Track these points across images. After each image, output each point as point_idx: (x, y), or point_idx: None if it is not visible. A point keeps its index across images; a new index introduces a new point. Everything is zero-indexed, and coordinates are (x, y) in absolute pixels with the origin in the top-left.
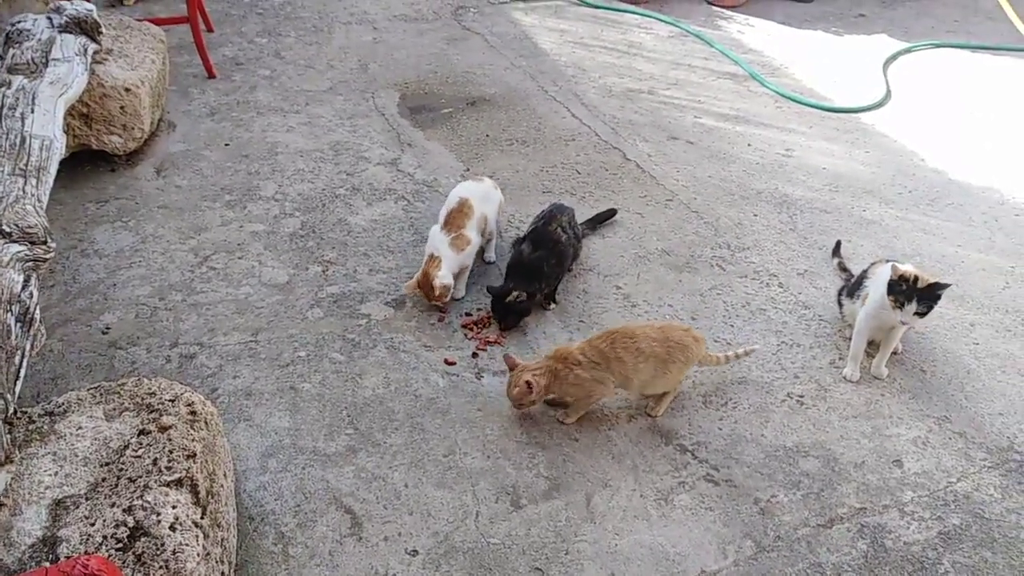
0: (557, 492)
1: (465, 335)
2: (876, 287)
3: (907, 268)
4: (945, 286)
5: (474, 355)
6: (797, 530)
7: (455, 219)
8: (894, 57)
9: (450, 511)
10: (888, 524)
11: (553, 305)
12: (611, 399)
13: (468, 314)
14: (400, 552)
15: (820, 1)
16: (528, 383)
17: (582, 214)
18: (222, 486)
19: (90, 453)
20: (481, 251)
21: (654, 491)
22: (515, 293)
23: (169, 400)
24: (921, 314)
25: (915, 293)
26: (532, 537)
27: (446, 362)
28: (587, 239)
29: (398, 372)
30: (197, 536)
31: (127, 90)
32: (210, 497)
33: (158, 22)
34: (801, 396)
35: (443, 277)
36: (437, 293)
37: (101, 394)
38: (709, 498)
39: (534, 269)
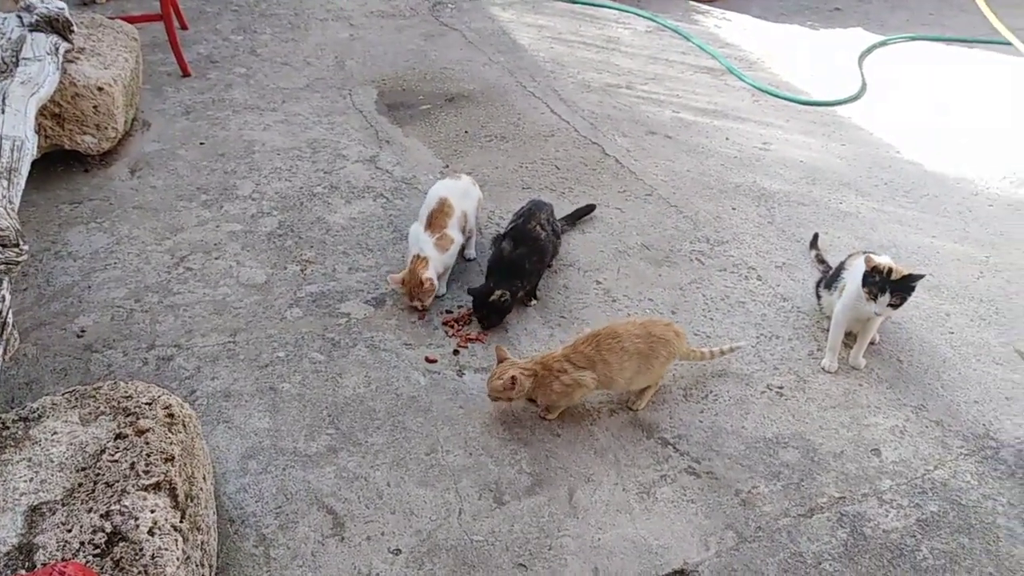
0: (540, 488)
1: (446, 332)
2: (853, 279)
3: (881, 260)
4: (919, 277)
5: (455, 352)
6: (778, 520)
7: (437, 219)
8: (870, 50)
9: (433, 509)
10: (867, 512)
11: (534, 301)
12: (593, 395)
13: (449, 311)
14: (383, 551)
15: None
16: (514, 379)
17: (562, 210)
18: (201, 489)
19: (66, 458)
20: (462, 249)
21: (636, 485)
22: (498, 292)
23: (146, 403)
24: (895, 305)
25: (888, 284)
26: (515, 533)
27: (427, 360)
28: (567, 235)
29: (379, 371)
30: (176, 540)
31: (100, 89)
32: (189, 500)
33: (131, 20)
34: (780, 387)
35: (431, 275)
36: (425, 287)
37: (76, 398)
38: (691, 490)
39: (515, 267)
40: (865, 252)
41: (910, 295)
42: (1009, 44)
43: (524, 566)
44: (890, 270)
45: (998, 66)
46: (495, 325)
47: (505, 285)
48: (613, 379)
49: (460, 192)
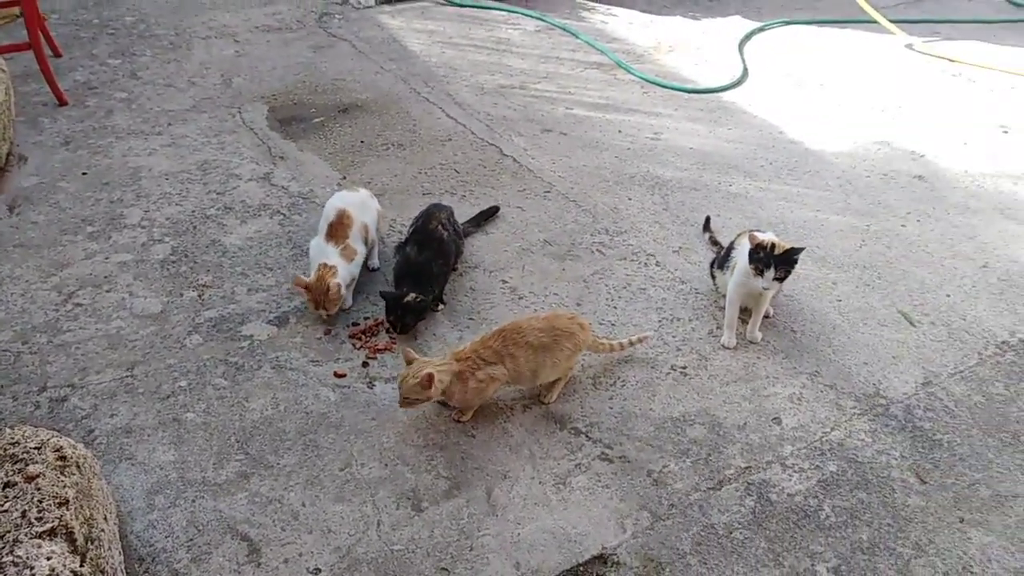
0: (457, 490)
1: (353, 345)
2: (742, 257)
3: (764, 237)
4: (799, 251)
5: (364, 364)
6: (689, 496)
7: (337, 231)
8: (749, 37)
9: (351, 524)
10: (772, 479)
11: (441, 306)
12: (505, 392)
13: (355, 323)
14: (302, 572)
15: None
16: (430, 376)
17: (463, 212)
18: (103, 530)
19: None
20: (365, 260)
21: (552, 476)
22: (412, 294)
23: (35, 448)
24: (779, 279)
25: (772, 260)
26: (436, 538)
27: (336, 375)
28: (471, 237)
29: (286, 391)
30: None
31: None
32: (89, 543)
33: None
34: (684, 367)
35: (339, 281)
36: (331, 295)
37: None
38: (605, 476)
39: (424, 270)
40: (751, 231)
41: (793, 268)
42: (876, 23)
43: (446, 570)
44: (773, 246)
45: (868, 44)
46: (410, 328)
47: (416, 290)
48: (520, 373)
49: (359, 204)
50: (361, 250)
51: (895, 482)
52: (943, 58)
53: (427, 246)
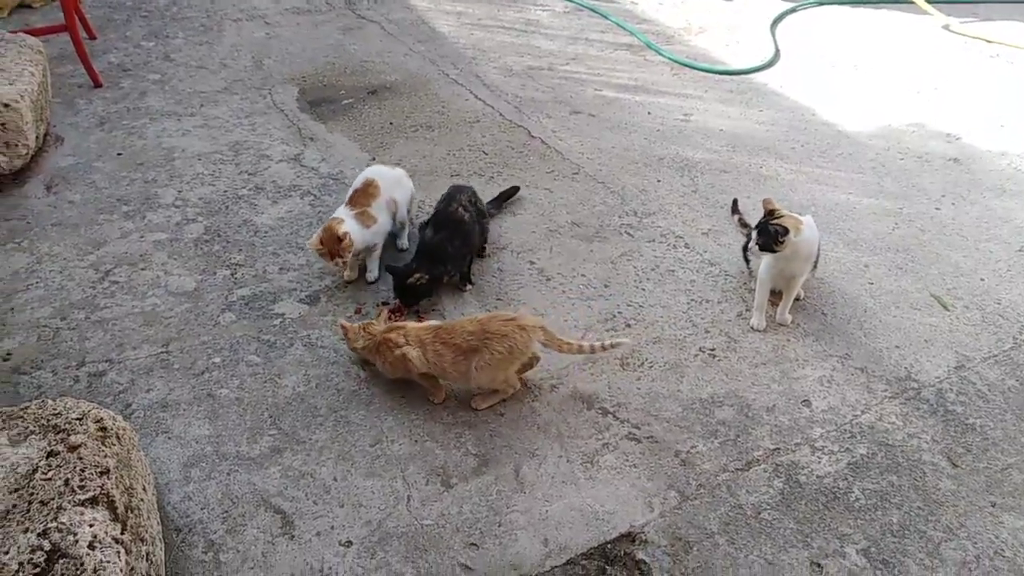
0: (486, 467)
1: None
2: None
3: (777, 204)
4: (776, 224)
5: None
6: (717, 476)
7: (358, 198)
8: (780, 17)
9: (381, 499)
10: (801, 461)
11: (469, 286)
12: (532, 372)
13: (385, 303)
14: (334, 545)
15: None
16: (343, 326)
17: (491, 193)
18: (142, 500)
19: None
20: (394, 238)
21: (580, 455)
22: (416, 275)
23: (76, 419)
24: (758, 244)
25: (759, 225)
26: (465, 514)
27: None
28: (498, 218)
29: (318, 368)
30: (118, 552)
31: (6, 106)
32: (129, 512)
33: (34, 32)
34: (712, 349)
35: (346, 230)
36: (344, 243)
37: (4, 420)
38: (632, 456)
39: (438, 251)
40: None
41: (771, 239)
42: (911, 3)
43: (475, 545)
44: (772, 212)
45: (903, 25)
46: (414, 304)
47: (427, 268)
48: (446, 371)
49: (391, 179)
50: (382, 220)
51: (926, 465)
52: (980, 39)
53: (445, 226)
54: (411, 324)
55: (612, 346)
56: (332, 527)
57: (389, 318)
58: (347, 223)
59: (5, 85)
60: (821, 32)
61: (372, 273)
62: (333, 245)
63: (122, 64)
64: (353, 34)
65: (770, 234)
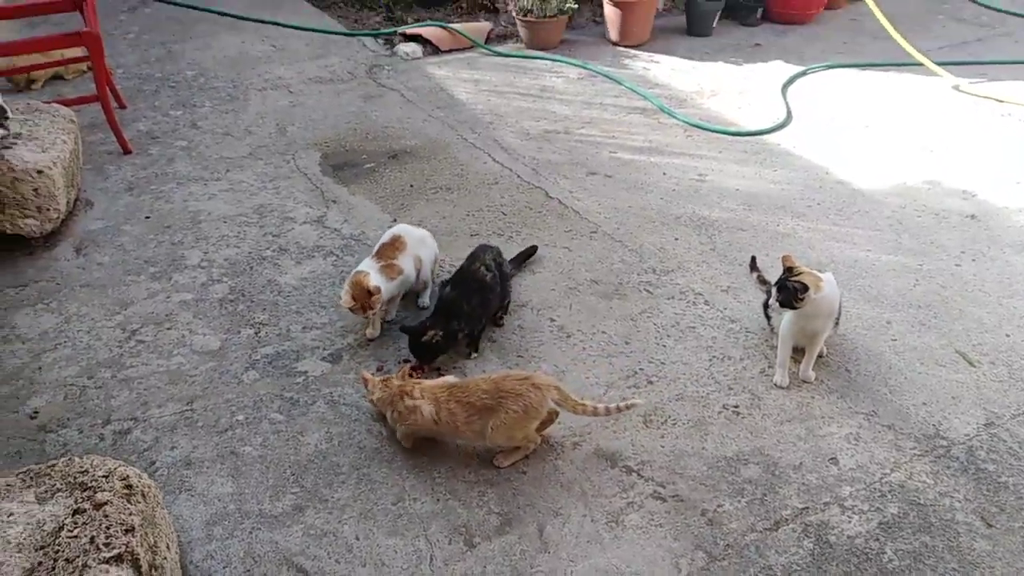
0: (509, 526)
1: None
2: None
3: (797, 261)
4: (794, 281)
5: None
6: (745, 536)
7: (386, 251)
8: (791, 80)
9: (404, 558)
10: (831, 520)
11: (474, 355)
12: (554, 429)
13: (407, 360)
14: None
15: (718, 35)
16: (364, 378)
17: (510, 252)
18: (165, 558)
19: (24, 538)
20: (416, 295)
21: (604, 514)
22: (431, 332)
23: (103, 476)
24: (779, 301)
25: (779, 281)
26: (488, 574)
27: None
28: (518, 276)
29: (340, 426)
30: None
31: (39, 172)
32: (153, 570)
33: (67, 103)
34: (736, 406)
35: (375, 283)
36: (373, 296)
37: (31, 477)
38: (658, 515)
39: (453, 307)
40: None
41: (791, 296)
42: (920, 65)
43: None
44: (790, 268)
45: (913, 86)
46: (430, 362)
47: (442, 325)
48: (459, 429)
49: (417, 237)
50: (407, 271)
51: (960, 525)
52: (991, 98)
53: (464, 285)
54: (427, 381)
55: (627, 408)
56: None
57: (409, 375)
58: (372, 275)
59: (39, 153)
60: (831, 94)
61: (390, 312)
62: (364, 299)
63: (151, 132)
64: (374, 102)
65: (790, 291)
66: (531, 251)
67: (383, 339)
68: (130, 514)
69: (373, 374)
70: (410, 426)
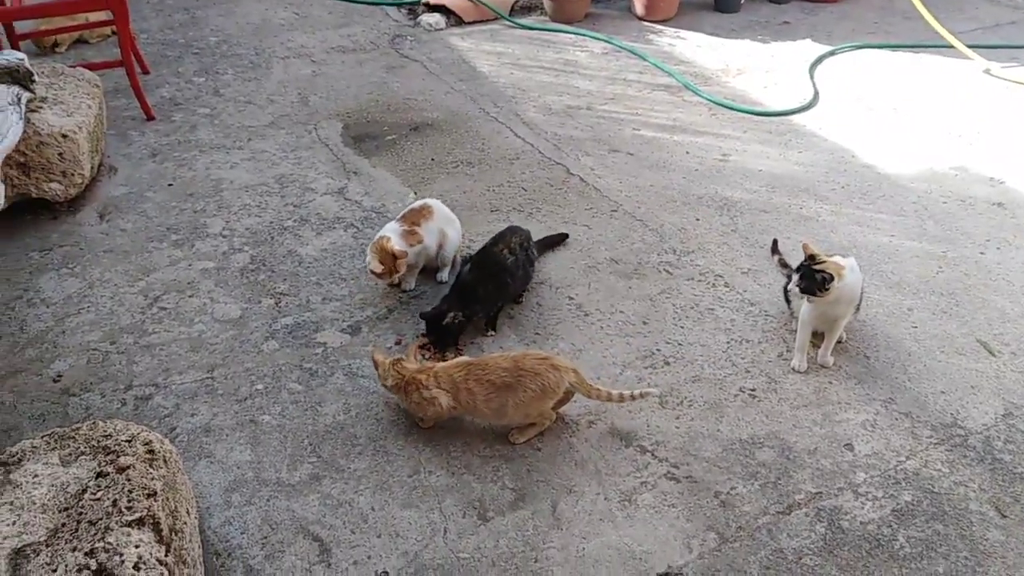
0: (523, 502)
1: (424, 356)
2: None
3: (816, 248)
4: (820, 270)
5: None
6: (757, 519)
7: (412, 216)
8: (819, 60)
9: (418, 530)
10: (844, 506)
11: (491, 332)
12: (570, 407)
13: (423, 334)
14: (370, 574)
15: (745, 11)
16: (375, 360)
17: (531, 230)
18: (185, 523)
19: (48, 500)
20: (435, 269)
21: (617, 493)
22: (451, 315)
23: (126, 440)
24: (800, 288)
25: (801, 267)
26: (501, 548)
27: None
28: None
29: (358, 397)
30: (162, 573)
31: (64, 136)
32: (173, 534)
33: (92, 67)
34: (753, 389)
35: (399, 247)
36: (399, 259)
37: (56, 440)
38: (671, 495)
39: (469, 289)
40: (833, 254)
41: (814, 284)
42: (951, 47)
43: None
44: (813, 256)
45: (943, 69)
46: (450, 346)
47: (457, 307)
48: (478, 408)
49: (446, 213)
50: (429, 242)
51: (973, 515)
52: (1023, 84)
53: (483, 267)
54: (440, 364)
55: (641, 396)
56: (369, 557)
57: (422, 354)
58: (394, 239)
59: (64, 117)
60: (859, 75)
61: (409, 283)
62: (390, 263)
63: (174, 98)
64: (396, 73)
65: (816, 280)
66: (561, 238)
67: (402, 312)
68: (152, 479)
69: (390, 349)
70: (428, 416)
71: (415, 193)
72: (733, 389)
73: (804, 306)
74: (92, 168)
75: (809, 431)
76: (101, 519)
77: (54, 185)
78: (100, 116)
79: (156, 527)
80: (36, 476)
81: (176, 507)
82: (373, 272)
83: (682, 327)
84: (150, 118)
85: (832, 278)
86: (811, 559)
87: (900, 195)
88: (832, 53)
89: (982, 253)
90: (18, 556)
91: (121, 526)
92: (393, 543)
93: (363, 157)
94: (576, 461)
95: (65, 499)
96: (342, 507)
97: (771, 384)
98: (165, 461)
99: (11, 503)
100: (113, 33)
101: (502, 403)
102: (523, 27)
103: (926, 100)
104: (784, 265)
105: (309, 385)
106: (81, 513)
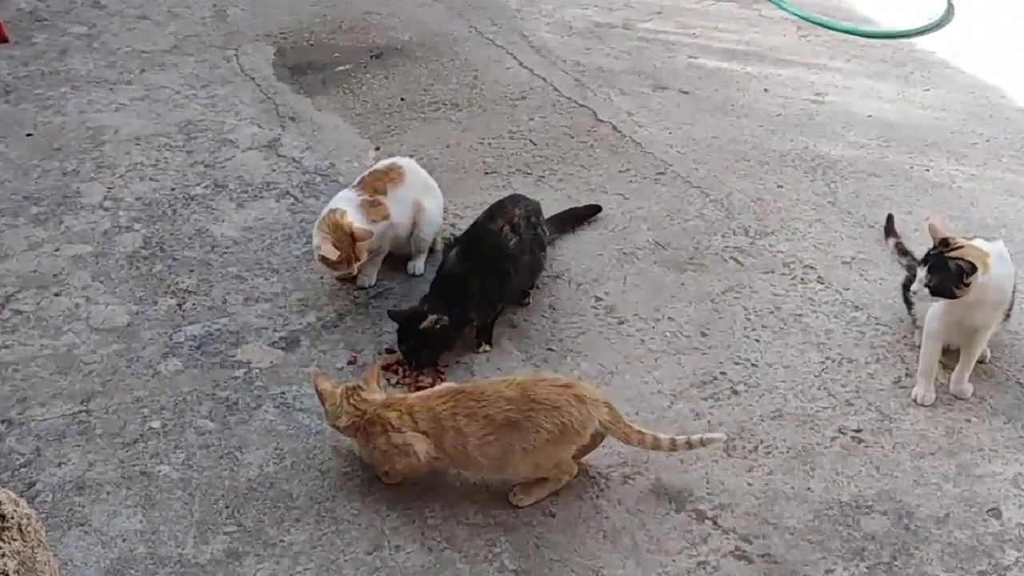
0: None
1: (388, 381)
2: None
3: (946, 232)
4: (956, 259)
5: None
6: None
7: (374, 182)
8: None
9: None
10: None
11: (485, 348)
12: (595, 455)
13: (391, 350)
14: None
15: None
16: (319, 390)
17: (541, 200)
18: None
19: None
20: (405, 258)
21: None
22: (433, 317)
23: None
24: (928, 287)
25: (929, 258)
26: None
27: None
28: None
29: (295, 440)
30: None
31: None
32: None
33: None
34: (858, 431)
35: (356, 223)
36: (359, 237)
37: None
38: None
39: (459, 285)
40: (976, 237)
41: (947, 279)
42: None
43: None
44: (945, 241)
45: None
46: (428, 364)
47: (441, 310)
48: (469, 456)
49: (422, 179)
50: (398, 220)
51: None
52: None
53: (475, 252)
54: (416, 394)
55: (701, 443)
56: None
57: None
58: (351, 213)
59: None
60: None
61: (369, 278)
62: (347, 247)
63: (35, 12)
64: None
65: (950, 272)
66: (588, 212)
67: (358, 317)
68: (3, 556)
69: (340, 373)
70: (397, 471)
71: (378, 148)
72: (830, 430)
73: (932, 310)
74: None
75: (938, 490)
76: None
77: None
78: None
79: None
80: None
81: None
82: (324, 260)
83: (757, 341)
84: (3, 40)
85: (973, 268)
86: None
87: None
88: None
89: None
90: None
91: None
92: None
93: (304, 96)
94: (605, 532)
95: None
96: None
97: (883, 422)
98: (20, 531)
99: None
100: None
101: (504, 449)
102: None
103: None
104: (903, 252)
105: (225, 422)
106: None
